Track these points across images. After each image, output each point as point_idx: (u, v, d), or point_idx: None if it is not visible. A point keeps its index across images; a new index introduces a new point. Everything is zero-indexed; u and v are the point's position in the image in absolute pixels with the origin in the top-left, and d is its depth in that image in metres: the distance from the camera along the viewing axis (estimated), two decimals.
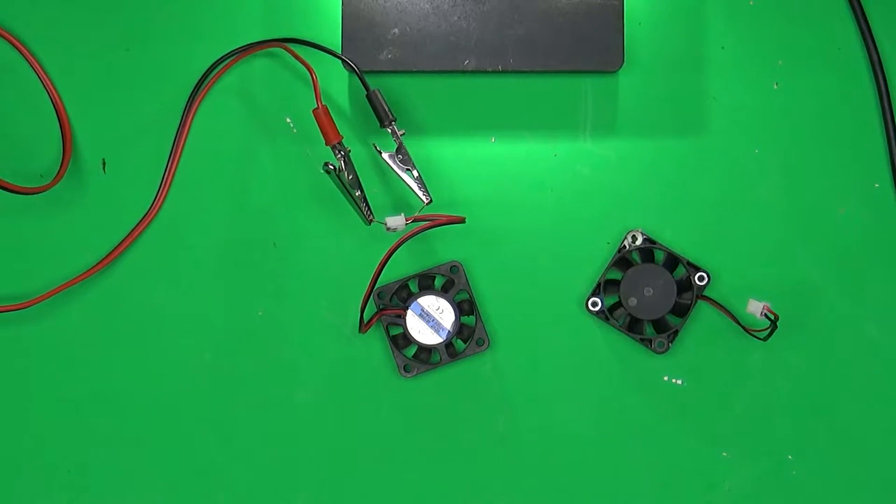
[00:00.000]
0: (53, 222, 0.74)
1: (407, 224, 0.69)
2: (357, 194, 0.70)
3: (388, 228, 0.69)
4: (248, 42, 0.74)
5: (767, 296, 0.71)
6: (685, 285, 0.73)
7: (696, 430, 0.73)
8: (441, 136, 0.74)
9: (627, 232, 0.73)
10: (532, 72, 0.72)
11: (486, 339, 0.73)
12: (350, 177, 0.70)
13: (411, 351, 0.73)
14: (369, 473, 0.73)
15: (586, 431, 0.73)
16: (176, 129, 0.74)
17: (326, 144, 0.70)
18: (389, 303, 0.73)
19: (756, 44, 0.75)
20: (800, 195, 0.74)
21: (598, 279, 0.73)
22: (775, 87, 0.74)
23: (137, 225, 0.74)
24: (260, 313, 0.74)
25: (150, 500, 0.73)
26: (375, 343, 0.74)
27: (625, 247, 0.73)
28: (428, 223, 0.68)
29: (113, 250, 0.73)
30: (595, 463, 0.73)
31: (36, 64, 0.74)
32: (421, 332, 0.72)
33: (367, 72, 0.71)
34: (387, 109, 0.71)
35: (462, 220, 0.69)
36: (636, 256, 0.73)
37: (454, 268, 0.73)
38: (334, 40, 0.72)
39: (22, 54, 0.74)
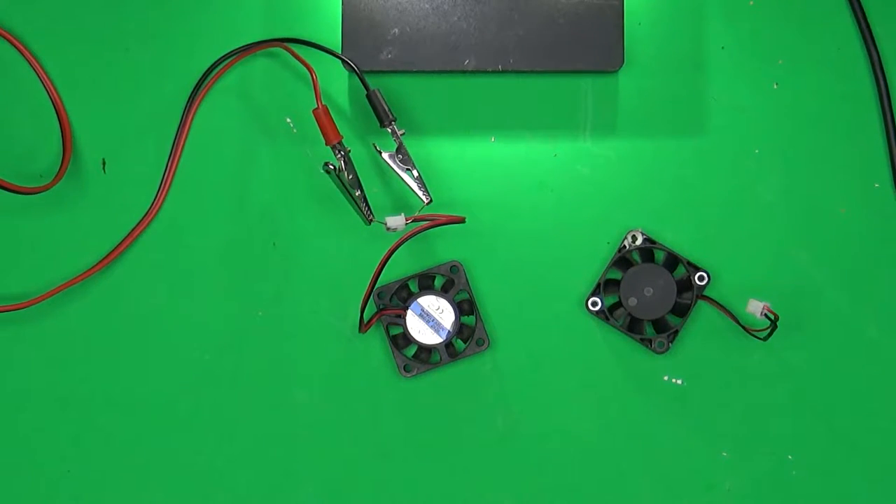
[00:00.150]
0: (53, 222, 0.74)
1: (407, 224, 0.69)
2: (357, 194, 0.70)
3: (388, 228, 0.69)
4: (248, 42, 0.74)
5: (767, 296, 0.71)
6: (685, 285, 0.73)
7: (696, 430, 0.73)
8: (441, 136, 0.74)
9: (627, 232, 0.73)
10: (532, 72, 0.72)
11: (486, 339, 0.73)
12: (350, 177, 0.70)
13: (411, 351, 0.73)
14: (369, 473, 0.73)
15: (586, 431, 0.73)
16: (176, 129, 0.74)
17: (326, 144, 0.70)
18: (389, 303, 0.73)
19: (756, 44, 0.75)
20: (800, 195, 0.74)
21: (598, 279, 0.73)
22: (775, 87, 0.74)
23: (137, 225, 0.73)
24: (260, 313, 0.74)
25: (150, 500, 0.73)
26: (375, 343, 0.74)
27: (625, 247, 0.73)
28: (428, 223, 0.68)
29: (113, 250, 0.73)
30: (595, 463, 0.73)
31: (36, 64, 0.74)
32: (421, 332, 0.72)
33: (367, 72, 0.71)
34: (387, 109, 0.71)
35: (462, 220, 0.69)
36: (636, 256, 0.73)
37: (454, 268, 0.73)
38: (334, 40, 0.72)
39: (22, 54, 0.74)
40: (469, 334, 0.73)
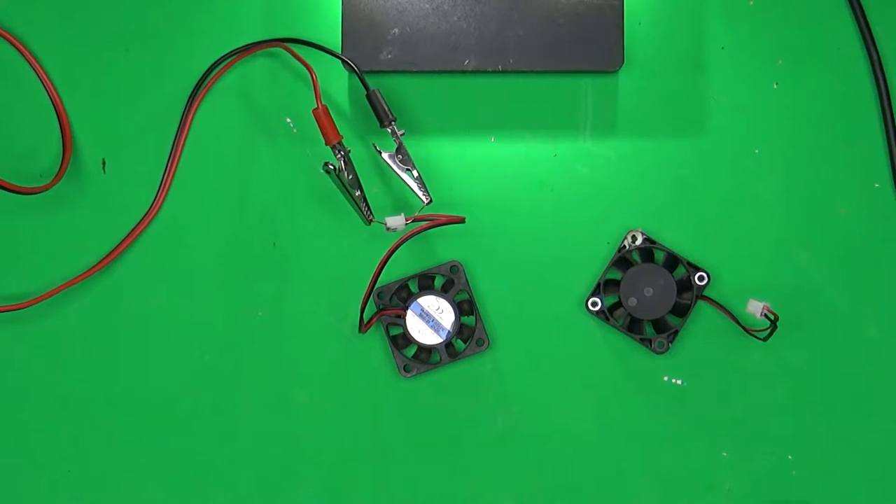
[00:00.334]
0: (53, 222, 0.74)
1: (407, 224, 0.69)
2: (357, 194, 0.70)
3: (388, 228, 0.69)
4: (248, 42, 0.74)
5: (767, 296, 0.71)
6: (685, 285, 0.73)
7: (696, 430, 0.73)
8: (441, 136, 0.74)
9: (627, 232, 0.73)
10: (532, 72, 0.72)
11: (486, 339, 0.73)
12: (350, 177, 0.70)
13: (411, 351, 0.73)
14: (369, 473, 0.73)
15: (586, 431, 0.73)
16: (176, 129, 0.74)
17: (326, 144, 0.70)
18: (389, 303, 0.73)
19: (756, 44, 0.75)
20: (800, 195, 0.74)
21: (598, 279, 0.73)
22: (775, 87, 0.74)
23: (137, 225, 0.74)
24: (260, 313, 0.74)
25: (151, 500, 0.73)
26: (375, 343, 0.74)
27: (625, 247, 0.73)
28: (428, 223, 0.68)
29: (113, 250, 0.73)
30: (595, 463, 0.73)
31: (36, 64, 0.74)
32: (421, 332, 0.72)
33: (367, 72, 0.71)
34: (387, 109, 0.71)
35: (462, 220, 0.69)
36: (636, 256, 0.73)
37: (454, 268, 0.73)
38: (334, 40, 0.72)
39: (22, 54, 0.74)
40: (469, 334, 0.73)
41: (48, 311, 0.73)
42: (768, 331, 0.70)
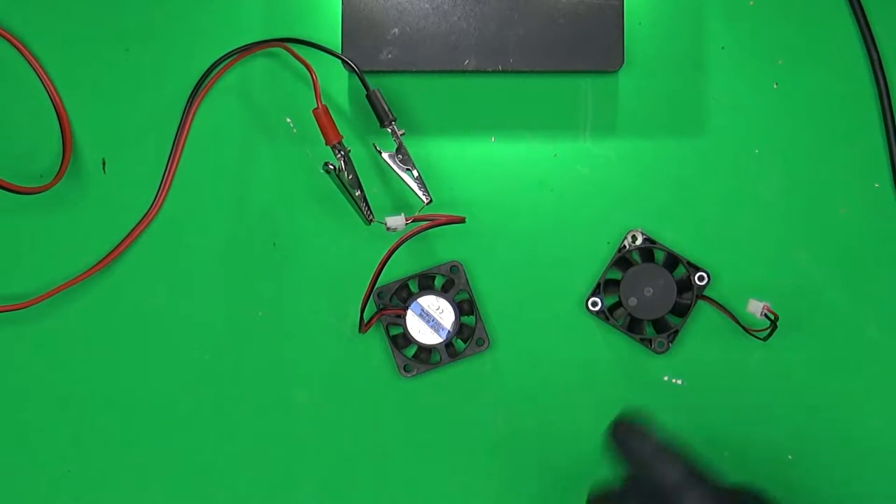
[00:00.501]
0: (53, 222, 0.74)
1: (407, 224, 0.69)
2: (357, 194, 0.70)
3: (388, 228, 0.69)
4: (248, 42, 0.74)
5: (767, 296, 0.71)
6: (685, 285, 0.73)
7: (696, 430, 0.73)
8: (441, 136, 0.74)
9: (627, 232, 0.73)
10: (532, 72, 0.72)
11: (486, 339, 0.73)
12: (350, 177, 0.70)
13: (411, 351, 0.73)
14: (369, 473, 0.73)
15: (586, 431, 0.73)
16: (176, 129, 0.74)
17: (326, 144, 0.70)
18: (389, 303, 0.73)
19: (756, 44, 0.75)
20: (800, 195, 0.74)
21: (598, 279, 0.73)
22: (775, 87, 0.75)
23: (137, 225, 0.74)
24: (260, 313, 0.74)
25: (150, 500, 0.73)
26: (375, 343, 0.74)
27: (625, 247, 0.73)
28: (428, 223, 0.68)
29: (113, 250, 0.73)
30: (595, 463, 0.73)
31: (36, 64, 0.74)
32: (421, 332, 0.72)
33: (367, 72, 0.71)
34: (387, 109, 0.71)
35: (462, 220, 0.69)
36: (636, 256, 0.73)
37: (454, 268, 0.73)
38: (334, 40, 0.72)
39: (22, 54, 0.74)
40: (469, 334, 0.73)
41: (48, 311, 0.73)
42: (768, 331, 0.70)
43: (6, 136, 0.74)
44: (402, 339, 0.73)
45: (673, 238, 0.74)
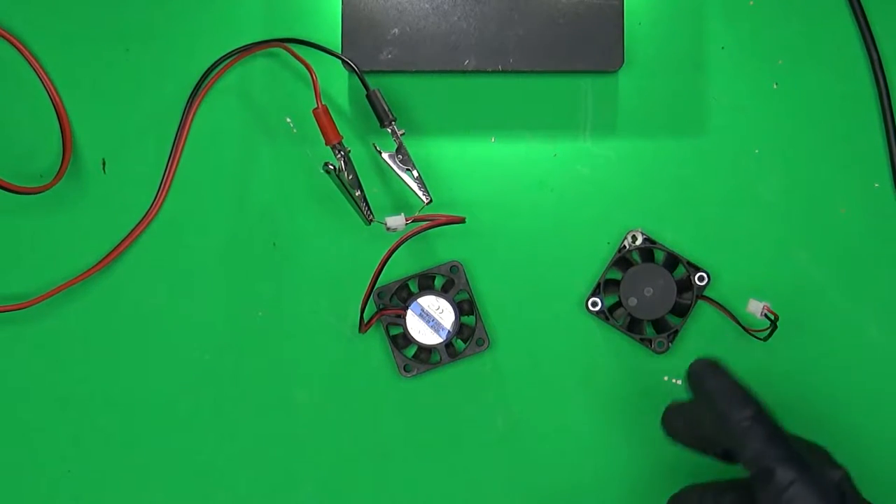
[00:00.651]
0: (53, 222, 0.74)
1: (407, 224, 0.69)
2: (357, 194, 0.70)
3: (388, 228, 0.69)
4: (248, 42, 0.74)
5: (767, 296, 0.71)
6: (685, 285, 0.73)
7: None
8: (441, 136, 0.74)
9: (627, 232, 0.73)
10: (532, 72, 0.72)
11: (486, 339, 0.73)
12: (350, 177, 0.70)
13: (411, 351, 0.73)
14: (369, 473, 0.73)
15: (586, 431, 0.73)
16: (176, 129, 0.74)
17: (326, 144, 0.70)
18: (389, 303, 0.73)
19: (756, 44, 0.75)
20: (800, 195, 0.74)
21: (598, 279, 0.73)
22: (775, 87, 0.75)
23: (137, 225, 0.74)
24: (260, 313, 0.74)
25: (151, 500, 0.73)
26: (375, 343, 0.74)
27: (625, 247, 0.73)
28: (428, 223, 0.68)
29: (113, 250, 0.73)
30: (595, 463, 0.73)
31: (36, 64, 0.74)
32: (421, 332, 0.72)
33: (367, 72, 0.71)
34: (387, 109, 0.71)
35: (462, 220, 0.69)
36: (636, 256, 0.73)
37: (454, 268, 0.73)
38: (334, 40, 0.72)
39: (22, 54, 0.74)
40: (469, 334, 0.73)
41: (48, 311, 0.73)
42: (768, 331, 0.70)
43: (6, 136, 0.74)
44: (402, 339, 0.73)
45: (673, 238, 0.74)
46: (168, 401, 0.73)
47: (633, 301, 0.72)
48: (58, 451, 0.73)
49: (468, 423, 0.73)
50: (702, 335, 0.73)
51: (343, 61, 0.71)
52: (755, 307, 0.70)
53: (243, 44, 0.73)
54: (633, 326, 0.73)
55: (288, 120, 0.74)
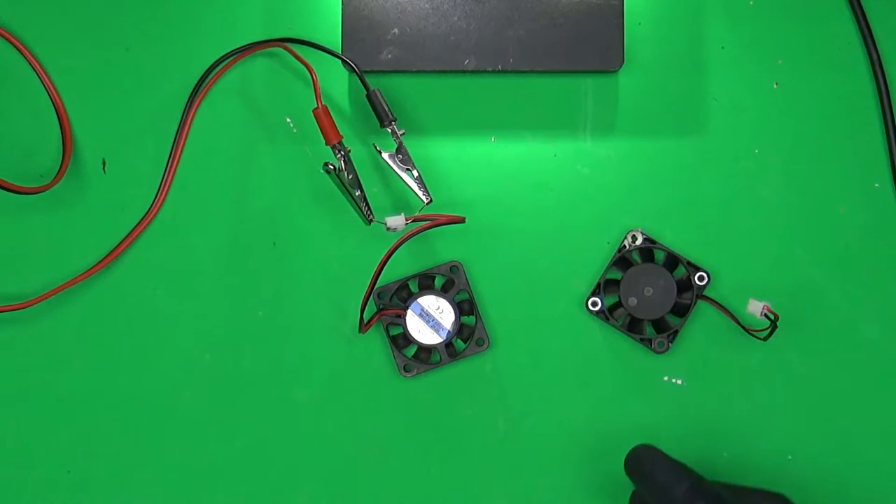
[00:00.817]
0: (53, 222, 0.74)
1: (407, 224, 0.69)
2: (357, 194, 0.70)
3: (388, 228, 0.69)
4: (248, 42, 0.74)
5: (767, 296, 0.71)
6: (685, 285, 0.73)
7: (696, 430, 0.73)
8: (441, 136, 0.74)
9: (627, 232, 0.73)
10: (532, 72, 0.72)
11: (486, 339, 0.73)
12: (350, 177, 0.70)
13: (411, 351, 0.73)
14: (369, 473, 0.73)
15: (586, 431, 0.73)
16: (176, 129, 0.74)
17: (326, 144, 0.70)
18: (389, 303, 0.73)
19: (756, 44, 0.75)
20: (800, 195, 0.74)
21: (598, 279, 0.73)
22: (775, 87, 0.75)
23: (137, 225, 0.74)
24: (260, 313, 0.74)
25: (150, 500, 0.73)
26: (375, 343, 0.74)
27: (625, 247, 0.73)
28: (428, 223, 0.68)
29: (113, 250, 0.73)
30: (595, 463, 0.73)
31: (36, 64, 0.74)
32: (421, 332, 0.72)
33: (367, 72, 0.71)
34: (387, 109, 0.71)
35: (462, 220, 0.69)
36: (636, 256, 0.73)
37: (454, 268, 0.73)
38: (334, 40, 0.72)
39: (22, 54, 0.74)
40: (469, 334, 0.73)
41: (48, 311, 0.73)
42: (768, 331, 0.70)
43: (6, 136, 0.74)
44: (402, 339, 0.73)
45: (673, 238, 0.74)
46: (168, 401, 0.73)
47: (633, 301, 0.72)
48: (58, 451, 0.73)
49: (468, 423, 0.73)
50: (702, 335, 0.73)
51: (343, 61, 0.71)
52: (755, 307, 0.70)
53: (243, 44, 0.73)
54: (633, 326, 0.73)
55: (288, 120, 0.74)
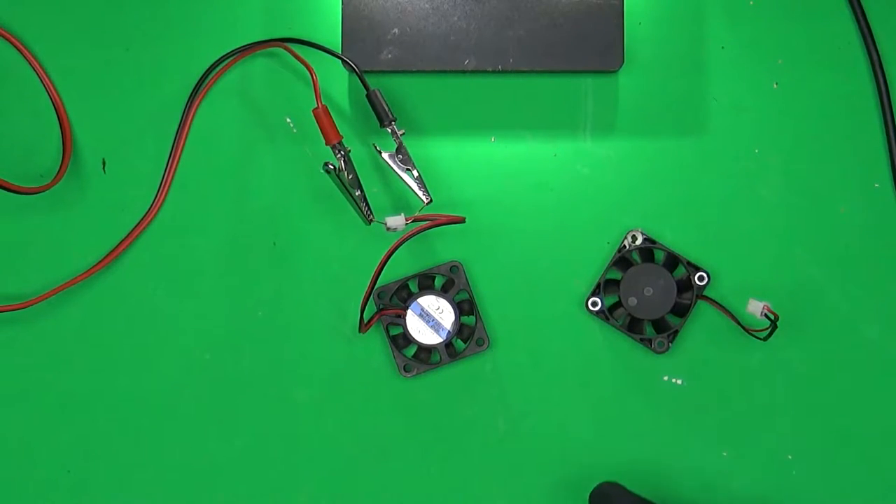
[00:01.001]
0: (53, 222, 0.74)
1: (407, 224, 0.69)
2: (357, 194, 0.70)
3: (388, 228, 0.69)
4: (248, 42, 0.74)
5: (767, 296, 0.71)
6: (685, 285, 0.73)
7: (696, 430, 0.73)
8: (441, 136, 0.74)
9: (627, 232, 0.73)
10: (532, 72, 0.72)
11: (486, 339, 0.73)
12: (350, 177, 0.70)
13: (411, 351, 0.73)
14: (369, 473, 0.73)
15: (586, 431, 0.73)
16: (176, 129, 0.74)
17: (326, 144, 0.70)
18: (389, 303, 0.73)
19: (756, 44, 0.75)
20: (800, 195, 0.74)
21: (598, 279, 0.73)
22: (775, 87, 0.75)
23: (137, 225, 0.74)
24: (260, 313, 0.74)
25: (150, 500, 0.73)
26: (375, 343, 0.74)
27: (625, 247, 0.73)
28: (428, 223, 0.68)
29: (113, 250, 0.73)
30: (595, 463, 0.73)
31: (36, 64, 0.74)
32: (421, 332, 0.72)
33: (367, 72, 0.71)
34: (387, 109, 0.71)
35: (462, 220, 0.69)
36: (636, 256, 0.73)
37: (454, 268, 0.73)
38: (334, 40, 0.72)
39: (22, 54, 0.74)
40: (469, 334, 0.73)
41: (48, 311, 0.73)
42: (768, 331, 0.70)
43: (6, 136, 0.74)
44: (402, 339, 0.73)
45: (673, 238, 0.74)
46: (168, 400, 0.73)
47: (633, 301, 0.72)
48: (58, 451, 0.73)
49: (468, 423, 0.73)
50: (702, 335, 0.73)
51: (343, 61, 0.71)
52: (755, 307, 0.70)
53: (243, 44, 0.73)
54: (633, 326, 0.73)
55: (288, 120, 0.74)
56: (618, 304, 0.73)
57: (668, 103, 0.74)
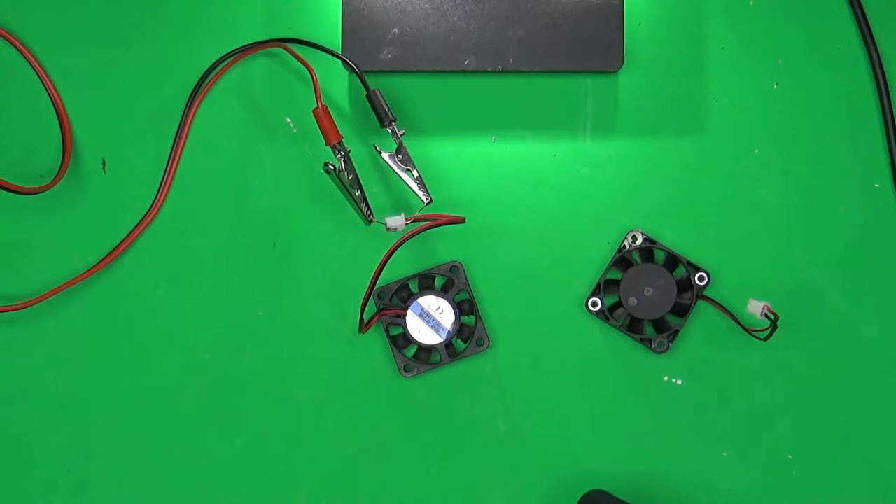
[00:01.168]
0: (53, 222, 0.74)
1: (407, 224, 0.69)
2: (357, 194, 0.70)
3: (388, 228, 0.69)
4: (248, 42, 0.74)
5: (767, 296, 0.71)
6: (685, 285, 0.73)
7: (696, 430, 0.73)
8: (441, 136, 0.74)
9: (627, 232, 0.73)
10: (532, 72, 0.72)
11: (486, 339, 0.73)
12: (350, 177, 0.70)
13: (411, 351, 0.73)
14: (369, 473, 0.73)
15: (586, 431, 0.73)
16: (176, 129, 0.74)
17: (326, 144, 0.70)
18: (389, 303, 0.73)
19: (756, 44, 0.75)
20: (800, 195, 0.74)
21: (598, 279, 0.73)
22: (775, 87, 0.75)
23: (137, 225, 0.74)
24: (260, 313, 0.74)
25: (150, 500, 0.73)
26: (375, 343, 0.74)
27: (625, 247, 0.73)
28: (428, 223, 0.68)
29: (113, 250, 0.73)
30: (595, 463, 0.73)
31: (36, 64, 0.74)
32: (421, 332, 0.72)
33: (367, 72, 0.71)
34: (387, 109, 0.71)
35: (462, 220, 0.69)
36: (636, 256, 0.73)
37: (454, 268, 0.73)
38: (334, 40, 0.72)
39: (22, 54, 0.74)
40: (469, 334, 0.73)
41: (48, 311, 0.73)
42: (768, 331, 0.70)
43: (6, 136, 0.74)
44: (402, 339, 0.73)
45: (673, 238, 0.74)
46: (168, 400, 0.73)
47: (633, 301, 0.72)
48: (58, 451, 0.73)
49: (468, 423, 0.73)
50: (702, 335, 0.73)
51: (343, 61, 0.71)
52: (755, 307, 0.70)
53: (243, 44, 0.73)
54: (633, 326, 0.73)
55: (288, 120, 0.74)
56: (618, 305, 0.73)
57: (668, 103, 0.74)
